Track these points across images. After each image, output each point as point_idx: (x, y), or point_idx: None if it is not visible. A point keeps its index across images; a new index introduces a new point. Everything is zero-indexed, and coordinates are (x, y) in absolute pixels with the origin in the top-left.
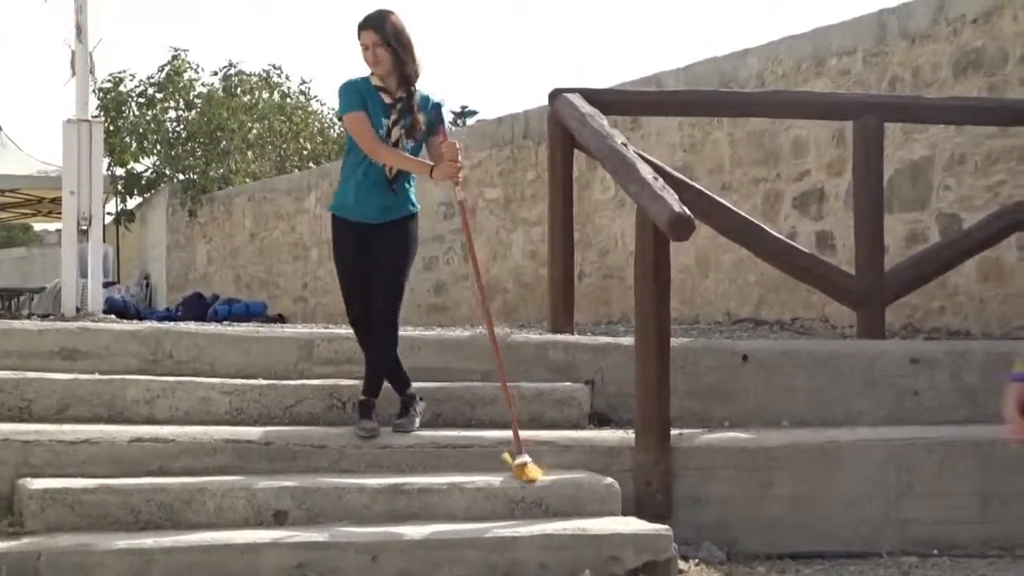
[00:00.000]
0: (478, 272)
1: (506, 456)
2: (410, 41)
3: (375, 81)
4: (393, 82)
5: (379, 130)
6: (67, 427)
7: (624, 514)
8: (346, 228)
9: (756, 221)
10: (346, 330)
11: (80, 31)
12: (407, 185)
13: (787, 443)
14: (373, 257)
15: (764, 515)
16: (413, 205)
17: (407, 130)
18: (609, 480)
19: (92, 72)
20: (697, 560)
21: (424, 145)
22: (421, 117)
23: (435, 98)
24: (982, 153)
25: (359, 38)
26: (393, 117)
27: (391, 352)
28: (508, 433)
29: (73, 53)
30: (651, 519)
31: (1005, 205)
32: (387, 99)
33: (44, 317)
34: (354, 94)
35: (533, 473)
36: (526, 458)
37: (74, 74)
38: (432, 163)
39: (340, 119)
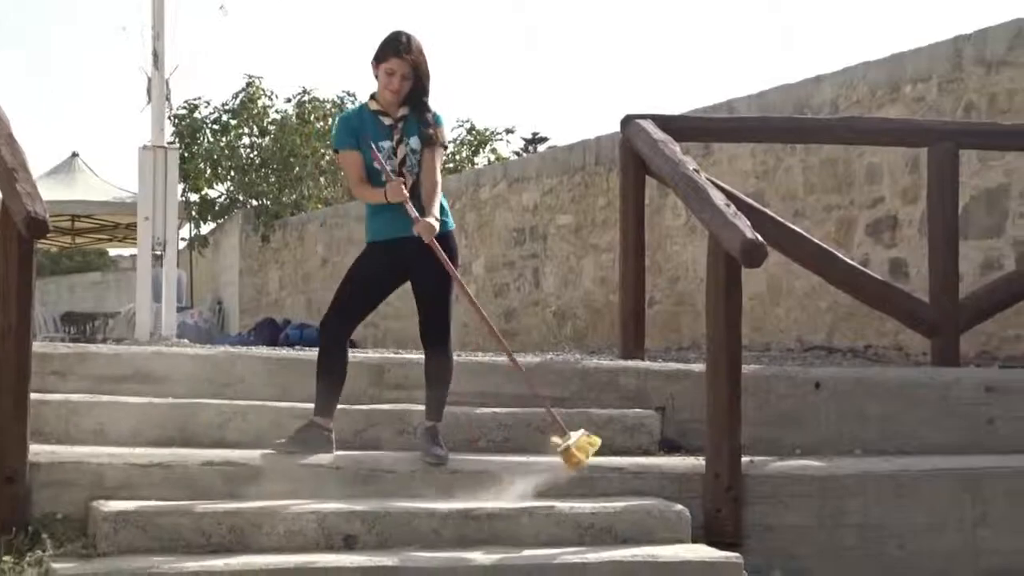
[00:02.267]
0: (466, 290)
1: (555, 440)
2: (429, 71)
3: (373, 106)
4: (395, 107)
5: (379, 152)
6: (140, 450)
7: (694, 541)
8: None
9: (829, 248)
10: (416, 356)
11: (156, 58)
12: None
13: (859, 472)
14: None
15: (836, 544)
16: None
17: (426, 140)
18: (679, 507)
19: (168, 99)
20: None
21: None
22: (440, 131)
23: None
24: None
25: (384, 60)
26: (396, 137)
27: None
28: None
29: (149, 80)
30: (721, 547)
31: None
32: (387, 121)
33: (119, 341)
34: (347, 132)
35: (579, 456)
36: (571, 438)
37: (150, 101)
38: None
39: (336, 152)
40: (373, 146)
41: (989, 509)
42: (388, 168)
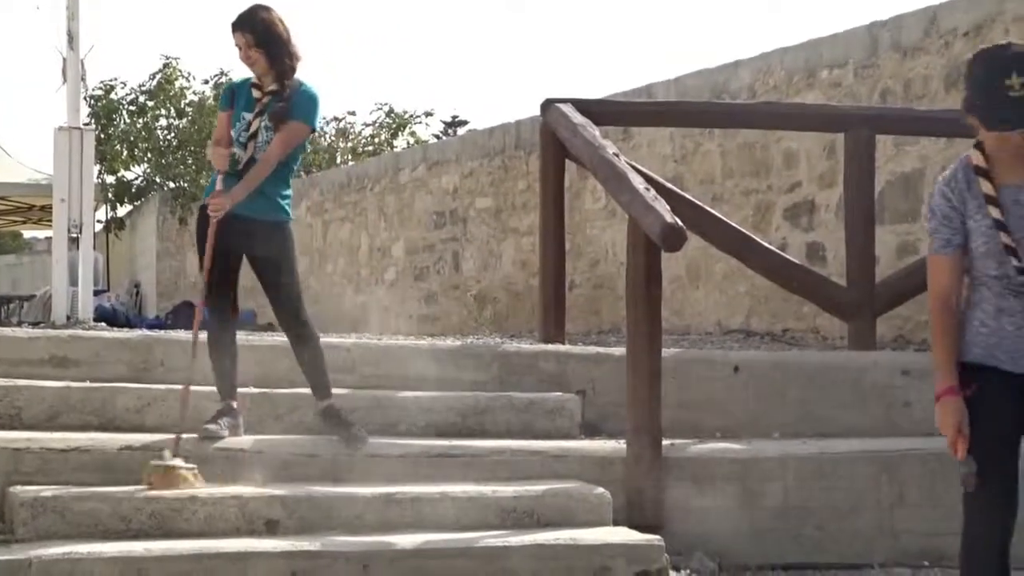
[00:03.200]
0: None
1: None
2: (283, 36)
3: (254, 78)
4: (269, 79)
5: (237, 122)
6: (58, 435)
7: (616, 524)
8: None
9: (747, 232)
10: (337, 339)
11: (72, 38)
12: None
13: (779, 454)
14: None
15: (756, 526)
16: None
17: (274, 121)
18: (600, 490)
19: (83, 80)
20: (688, 570)
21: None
22: (292, 107)
23: (314, 90)
24: None
25: (232, 34)
26: (256, 110)
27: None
28: (498, 443)
29: (65, 60)
30: (643, 529)
31: None
32: (257, 94)
33: (34, 325)
34: (226, 95)
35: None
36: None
37: (65, 81)
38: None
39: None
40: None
41: (906, 490)
42: (252, 128)
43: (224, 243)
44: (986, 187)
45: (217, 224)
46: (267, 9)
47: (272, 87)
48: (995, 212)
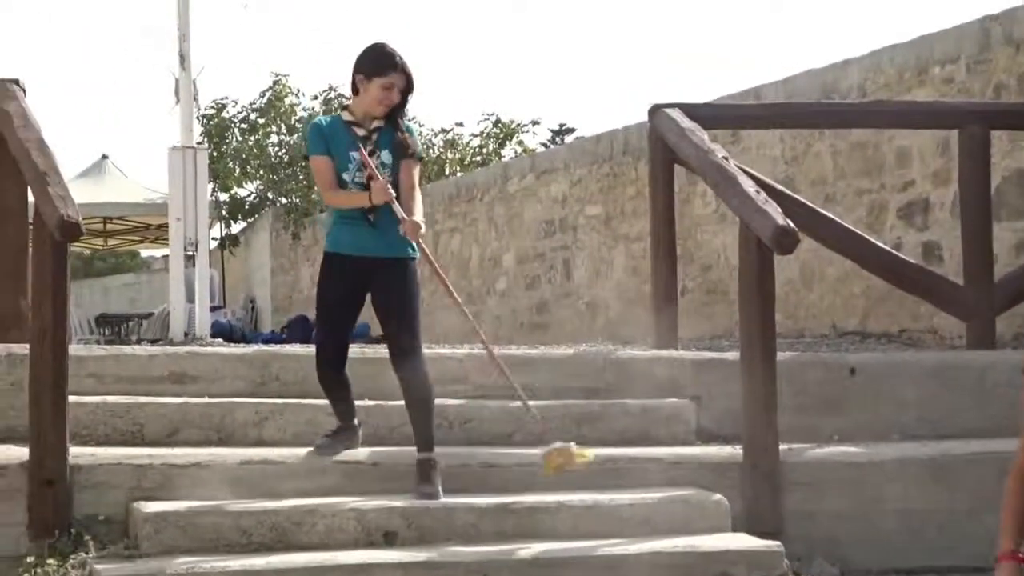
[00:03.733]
0: (447, 287)
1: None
2: None
3: (347, 116)
4: (369, 116)
5: (348, 164)
6: (178, 450)
7: (734, 530)
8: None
9: (861, 232)
10: (449, 350)
11: (183, 59)
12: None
13: (898, 457)
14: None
15: (876, 530)
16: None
17: (400, 153)
18: (718, 496)
19: (196, 99)
20: (809, 575)
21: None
22: (413, 142)
23: (411, 124)
24: None
25: (384, 75)
26: (369, 148)
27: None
28: (613, 451)
29: (177, 81)
30: (761, 535)
31: None
32: (360, 132)
33: (153, 342)
34: (318, 138)
35: (562, 459)
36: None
37: (178, 102)
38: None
39: (307, 159)
40: (361, 148)
41: None
42: (374, 166)
43: (354, 282)
44: None
45: (351, 264)
46: None
47: (376, 124)
48: None
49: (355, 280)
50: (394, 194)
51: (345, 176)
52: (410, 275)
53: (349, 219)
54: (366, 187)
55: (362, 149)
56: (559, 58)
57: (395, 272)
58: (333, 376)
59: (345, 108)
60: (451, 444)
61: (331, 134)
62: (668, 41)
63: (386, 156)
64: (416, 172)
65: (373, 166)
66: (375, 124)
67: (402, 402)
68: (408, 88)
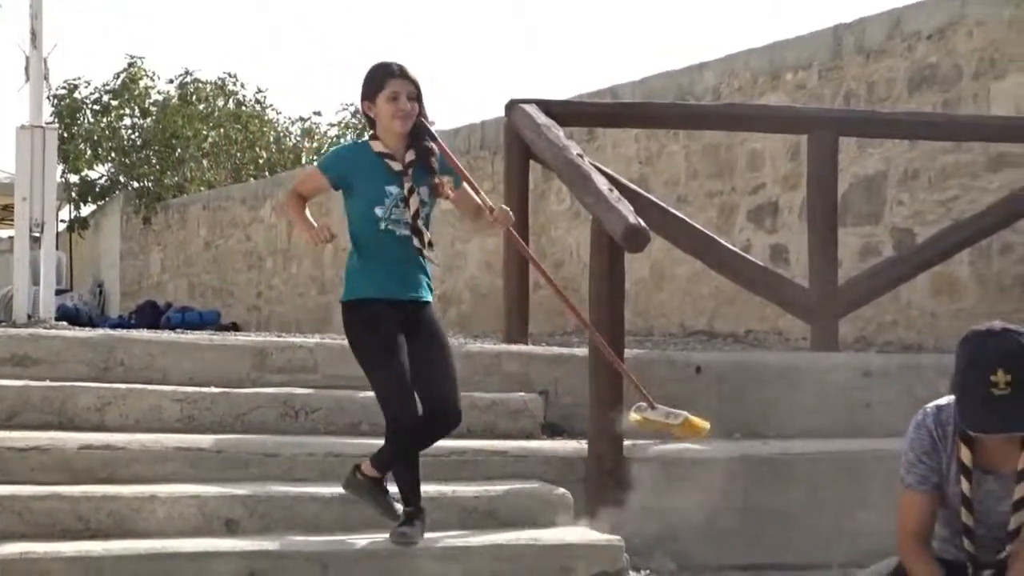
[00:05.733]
0: (549, 279)
1: (634, 415)
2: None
3: (377, 147)
4: (401, 145)
5: (384, 199)
6: (16, 434)
7: (577, 525)
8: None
9: (711, 234)
10: (300, 338)
11: (35, 37)
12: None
13: (739, 455)
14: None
15: (716, 527)
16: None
17: (433, 190)
18: (562, 490)
19: (46, 78)
20: (648, 571)
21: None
22: (446, 179)
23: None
24: (935, 168)
25: (383, 87)
26: (408, 185)
27: None
28: (460, 443)
29: (27, 59)
30: (603, 530)
31: (958, 220)
32: (396, 166)
33: None
34: (335, 162)
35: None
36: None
37: (28, 80)
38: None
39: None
40: (454, 160)
41: (867, 492)
42: (415, 206)
43: (398, 332)
44: (966, 456)
45: (388, 308)
46: None
47: (410, 158)
48: (965, 486)
49: (397, 319)
50: (512, 218)
51: (379, 211)
52: (437, 317)
53: (379, 265)
54: (415, 228)
55: (456, 162)
56: (419, 49)
57: (431, 314)
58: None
59: (374, 138)
60: (298, 433)
61: (356, 162)
62: (529, 35)
63: (425, 193)
64: (470, 191)
65: (465, 173)
66: (409, 157)
67: (251, 390)
68: (418, 93)
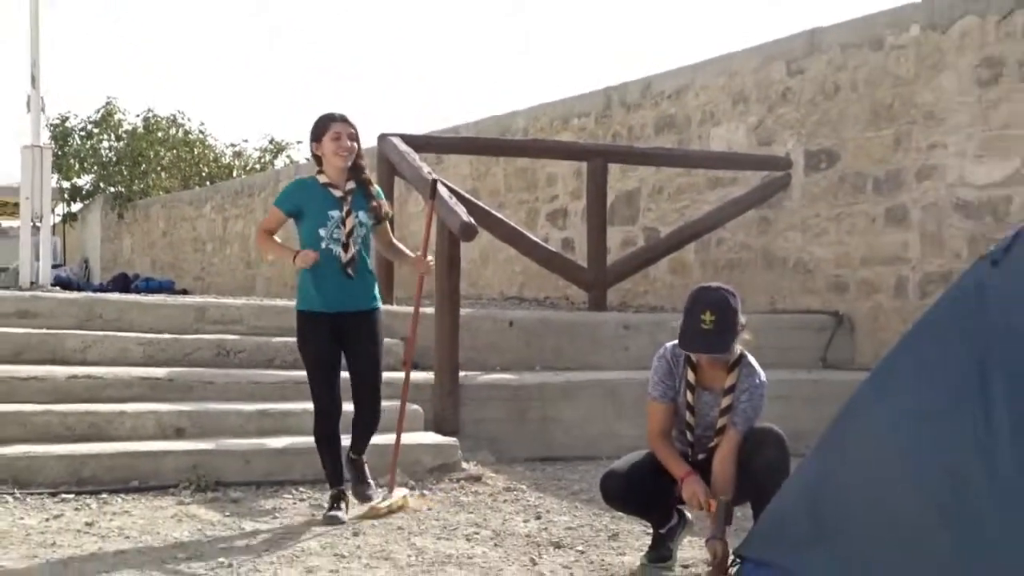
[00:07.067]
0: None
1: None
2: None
3: (322, 179)
4: (342, 178)
5: (326, 221)
6: (21, 367)
7: (426, 431)
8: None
9: (521, 229)
10: (231, 300)
11: (34, 80)
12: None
13: (539, 382)
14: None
15: (523, 431)
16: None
17: (374, 213)
18: (416, 407)
19: (43, 110)
20: (476, 461)
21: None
22: (384, 205)
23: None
24: (673, 186)
25: (327, 129)
26: (346, 209)
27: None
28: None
29: (29, 97)
30: (445, 434)
31: (687, 222)
32: (337, 193)
33: (5, 289)
34: (289, 196)
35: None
36: (392, 496)
37: (29, 111)
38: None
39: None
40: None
41: (623, 408)
42: (351, 226)
43: (334, 341)
44: (691, 376)
45: (327, 321)
46: None
47: (350, 187)
48: (690, 397)
49: (332, 332)
50: (432, 265)
51: (322, 231)
52: (379, 320)
53: (328, 274)
54: (346, 244)
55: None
56: (319, 85)
57: (373, 320)
58: (332, 439)
59: (320, 173)
60: (229, 367)
61: (305, 193)
62: (404, 73)
63: (363, 216)
64: (391, 232)
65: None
66: (349, 186)
67: (194, 336)
68: (356, 134)
